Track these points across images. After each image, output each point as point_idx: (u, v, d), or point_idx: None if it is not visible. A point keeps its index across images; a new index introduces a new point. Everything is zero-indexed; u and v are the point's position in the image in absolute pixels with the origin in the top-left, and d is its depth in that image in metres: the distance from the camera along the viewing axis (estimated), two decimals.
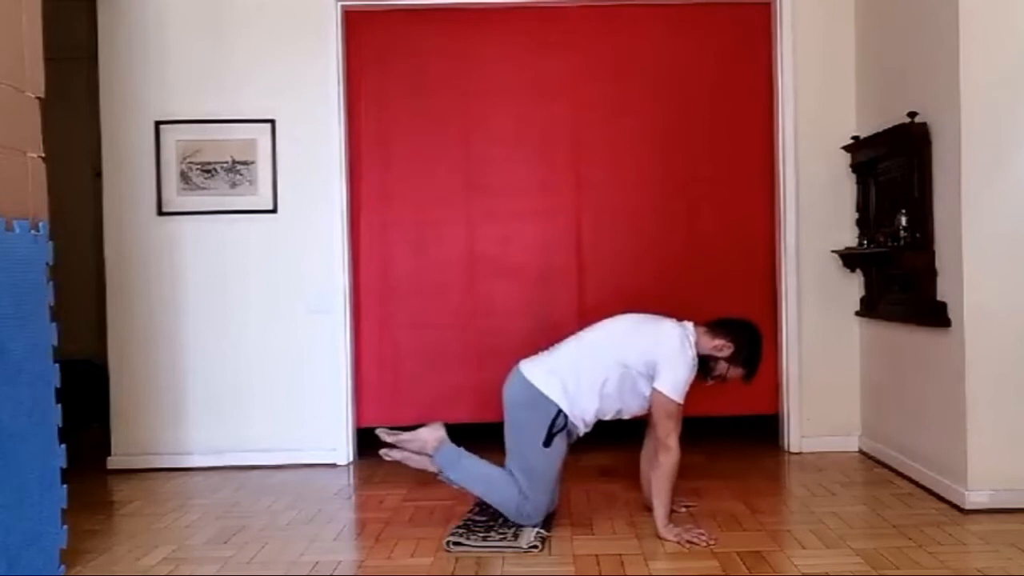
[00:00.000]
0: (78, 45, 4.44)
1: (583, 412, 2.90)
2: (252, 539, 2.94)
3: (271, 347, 4.04)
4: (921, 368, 3.40)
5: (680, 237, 4.17)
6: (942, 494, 3.19)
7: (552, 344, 3.07)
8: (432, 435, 2.98)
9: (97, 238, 4.19)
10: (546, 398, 2.85)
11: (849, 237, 3.98)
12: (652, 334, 2.91)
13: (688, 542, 2.73)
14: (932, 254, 3.27)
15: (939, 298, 3.23)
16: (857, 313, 4.02)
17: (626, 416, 3.00)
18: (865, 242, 3.84)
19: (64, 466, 2.55)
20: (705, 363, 2.95)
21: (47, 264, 2.53)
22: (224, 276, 4.06)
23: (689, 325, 2.96)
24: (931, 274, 3.26)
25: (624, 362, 2.87)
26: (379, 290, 4.18)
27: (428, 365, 4.16)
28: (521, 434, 2.89)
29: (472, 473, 2.95)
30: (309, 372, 4.06)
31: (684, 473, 3.62)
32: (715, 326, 2.98)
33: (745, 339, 2.98)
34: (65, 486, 2.55)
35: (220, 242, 4.06)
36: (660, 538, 2.79)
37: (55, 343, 2.54)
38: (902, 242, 3.45)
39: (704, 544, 2.72)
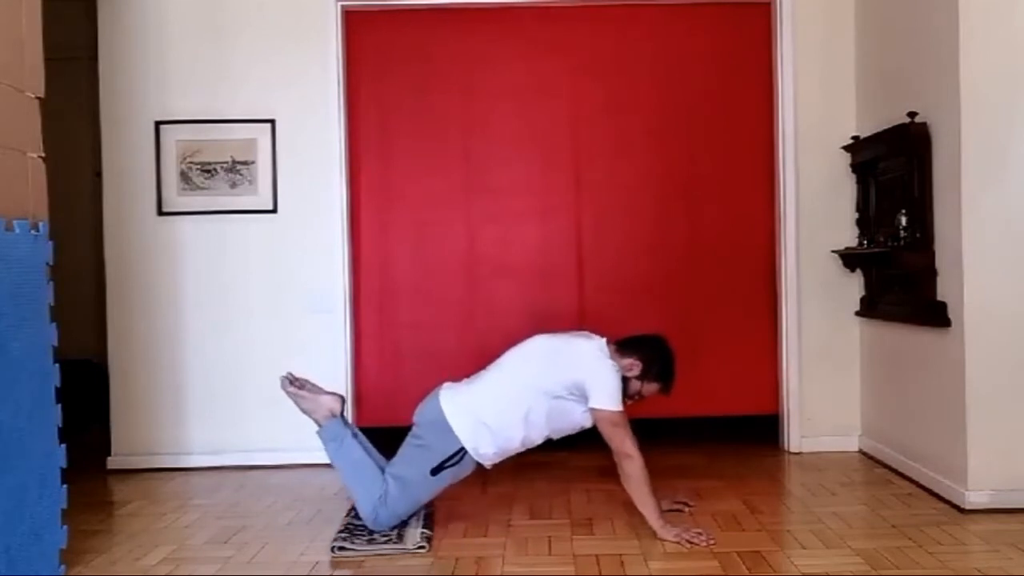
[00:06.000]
0: (78, 45, 4.43)
1: (507, 442, 2.91)
2: (252, 539, 2.94)
3: (271, 347, 4.03)
4: (921, 368, 3.40)
5: (680, 237, 4.17)
6: (942, 494, 3.19)
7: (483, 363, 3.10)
8: (329, 405, 3.00)
9: (97, 238, 4.19)
10: (453, 434, 2.86)
11: (849, 237, 3.98)
12: (567, 356, 2.92)
13: (688, 542, 2.72)
14: (932, 254, 3.27)
15: (939, 298, 3.23)
16: (857, 313, 4.01)
17: (557, 437, 3.02)
18: (865, 242, 3.84)
19: (64, 466, 2.55)
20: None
21: (47, 264, 2.53)
22: (224, 276, 4.05)
23: (601, 339, 2.99)
24: (931, 274, 3.26)
25: (547, 391, 2.88)
26: (379, 290, 4.18)
27: (428, 365, 4.14)
28: (417, 451, 2.91)
29: (348, 457, 2.94)
30: (309, 372, 4.02)
31: (684, 473, 3.65)
32: (622, 345, 2.99)
33: (654, 354, 2.99)
34: (65, 486, 2.55)
35: (220, 242, 4.06)
36: (659, 539, 2.79)
37: (55, 343, 2.54)
38: (902, 242, 3.45)
39: (704, 544, 2.72)
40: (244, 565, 2.69)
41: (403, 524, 2.92)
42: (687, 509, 3.12)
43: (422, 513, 3.01)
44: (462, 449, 2.87)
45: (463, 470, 2.93)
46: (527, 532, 2.94)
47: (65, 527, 2.55)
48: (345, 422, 3.03)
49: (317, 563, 2.69)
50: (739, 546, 2.72)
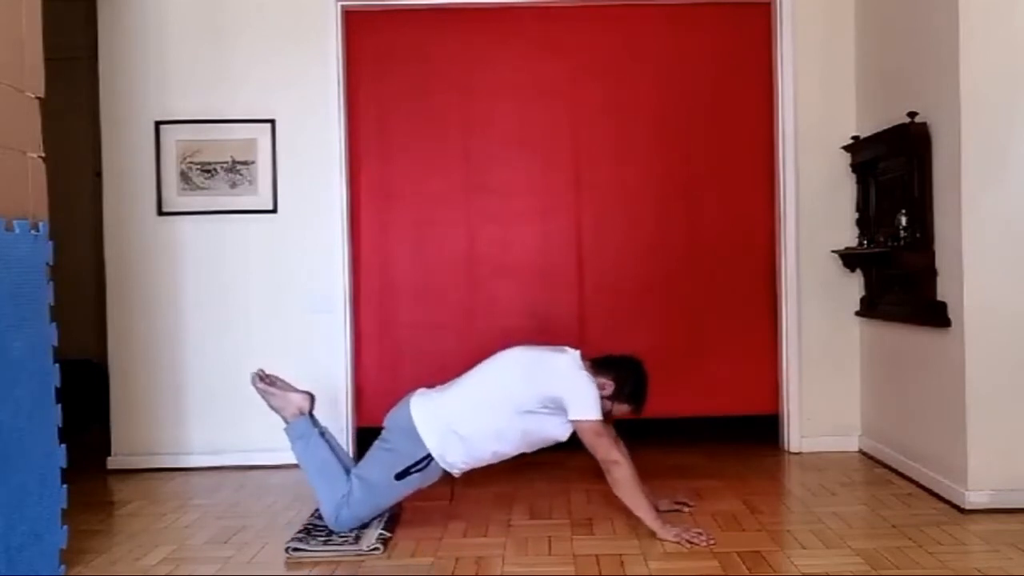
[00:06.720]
0: (78, 45, 4.44)
1: (479, 452, 2.90)
2: (252, 539, 2.94)
3: (271, 347, 4.03)
4: (921, 368, 3.40)
5: (680, 237, 4.17)
6: (942, 494, 3.19)
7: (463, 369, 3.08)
8: (298, 403, 3.01)
9: (97, 238, 4.19)
10: (421, 440, 2.86)
11: (849, 237, 3.98)
12: (544, 369, 2.92)
13: (688, 542, 2.72)
14: (932, 254, 3.27)
15: (939, 298, 3.23)
16: (857, 313, 4.01)
17: (532, 451, 3.01)
18: (865, 242, 3.85)
19: (64, 466, 2.55)
20: None
21: (47, 264, 2.53)
22: (224, 276, 4.06)
23: (575, 352, 2.98)
24: (931, 274, 3.26)
25: (521, 408, 2.87)
26: (379, 290, 4.19)
27: (428, 365, 4.14)
28: (383, 455, 2.91)
29: (313, 456, 2.95)
30: (309, 372, 4.04)
31: (684, 473, 3.65)
32: (597, 364, 2.98)
33: (628, 374, 2.98)
34: (65, 486, 2.55)
35: (220, 242, 4.06)
36: (659, 539, 2.79)
37: (55, 343, 2.54)
38: (902, 242, 3.45)
39: (704, 544, 2.72)
40: (244, 565, 2.69)
41: (364, 526, 2.91)
42: (687, 509, 3.12)
43: (386, 516, 2.99)
44: (428, 456, 2.86)
45: (429, 477, 2.92)
46: (527, 532, 2.94)
47: (65, 527, 2.55)
48: (314, 421, 3.03)
49: (317, 563, 2.69)
50: (739, 546, 2.73)
